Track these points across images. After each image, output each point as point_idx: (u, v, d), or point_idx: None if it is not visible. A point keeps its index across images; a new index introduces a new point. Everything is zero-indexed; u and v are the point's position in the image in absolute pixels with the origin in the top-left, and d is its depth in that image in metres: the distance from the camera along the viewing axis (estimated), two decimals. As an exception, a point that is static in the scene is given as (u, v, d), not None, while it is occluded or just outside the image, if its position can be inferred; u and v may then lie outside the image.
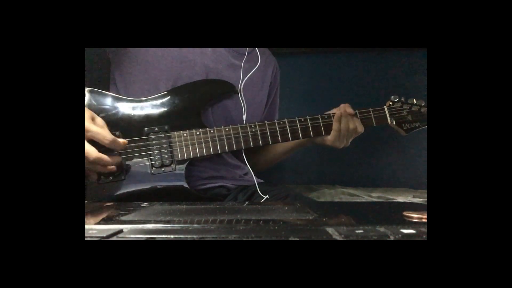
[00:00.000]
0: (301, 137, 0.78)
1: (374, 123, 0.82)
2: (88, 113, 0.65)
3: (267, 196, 0.75)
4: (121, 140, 0.67)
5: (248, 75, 0.82)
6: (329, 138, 0.80)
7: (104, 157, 0.64)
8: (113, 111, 0.72)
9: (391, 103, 0.84)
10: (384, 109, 0.83)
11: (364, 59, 1.25)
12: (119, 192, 0.69)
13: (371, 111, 0.82)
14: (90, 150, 0.62)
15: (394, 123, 0.83)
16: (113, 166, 0.66)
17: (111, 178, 0.69)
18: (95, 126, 0.63)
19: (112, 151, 0.67)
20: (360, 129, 0.80)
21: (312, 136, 0.78)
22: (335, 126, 0.79)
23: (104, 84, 0.83)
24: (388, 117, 0.83)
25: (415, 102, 0.84)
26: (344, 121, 0.78)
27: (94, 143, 0.64)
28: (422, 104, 0.84)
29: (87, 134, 0.63)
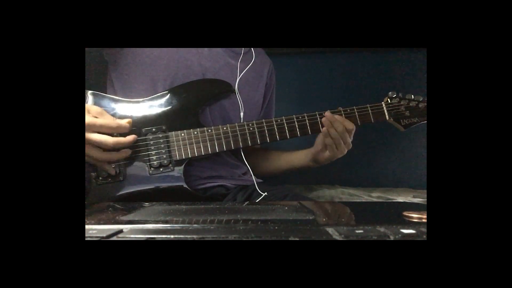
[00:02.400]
0: (299, 135, 0.77)
1: (372, 119, 0.82)
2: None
3: (266, 193, 0.75)
4: (125, 121, 0.66)
5: (244, 71, 0.83)
6: (327, 153, 0.80)
7: (121, 139, 0.65)
8: (111, 113, 0.72)
9: (388, 99, 0.84)
10: (381, 105, 0.83)
11: (362, 59, 1.25)
12: (117, 193, 0.69)
13: (369, 107, 0.82)
14: (105, 138, 0.63)
15: (392, 119, 0.83)
16: (129, 151, 0.68)
17: (109, 179, 0.69)
18: (97, 119, 0.64)
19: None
20: (349, 125, 0.78)
21: (310, 133, 0.78)
22: (327, 141, 0.78)
23: (101, 85, 0.83)
24: (386, 113, 0.82)
25: (412, 97, 0.84)
26: (331, 131, 0.77)
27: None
28: (420, 100, 0.84)
29: (93, 130, 0.63)
